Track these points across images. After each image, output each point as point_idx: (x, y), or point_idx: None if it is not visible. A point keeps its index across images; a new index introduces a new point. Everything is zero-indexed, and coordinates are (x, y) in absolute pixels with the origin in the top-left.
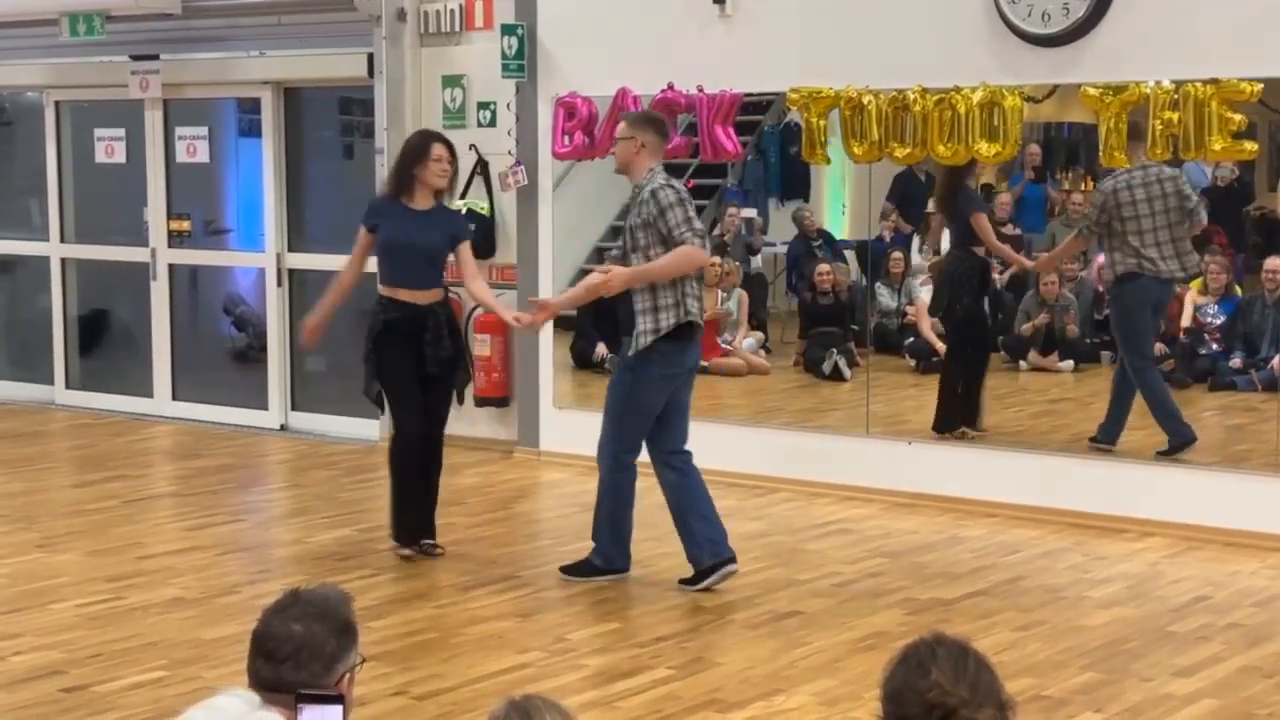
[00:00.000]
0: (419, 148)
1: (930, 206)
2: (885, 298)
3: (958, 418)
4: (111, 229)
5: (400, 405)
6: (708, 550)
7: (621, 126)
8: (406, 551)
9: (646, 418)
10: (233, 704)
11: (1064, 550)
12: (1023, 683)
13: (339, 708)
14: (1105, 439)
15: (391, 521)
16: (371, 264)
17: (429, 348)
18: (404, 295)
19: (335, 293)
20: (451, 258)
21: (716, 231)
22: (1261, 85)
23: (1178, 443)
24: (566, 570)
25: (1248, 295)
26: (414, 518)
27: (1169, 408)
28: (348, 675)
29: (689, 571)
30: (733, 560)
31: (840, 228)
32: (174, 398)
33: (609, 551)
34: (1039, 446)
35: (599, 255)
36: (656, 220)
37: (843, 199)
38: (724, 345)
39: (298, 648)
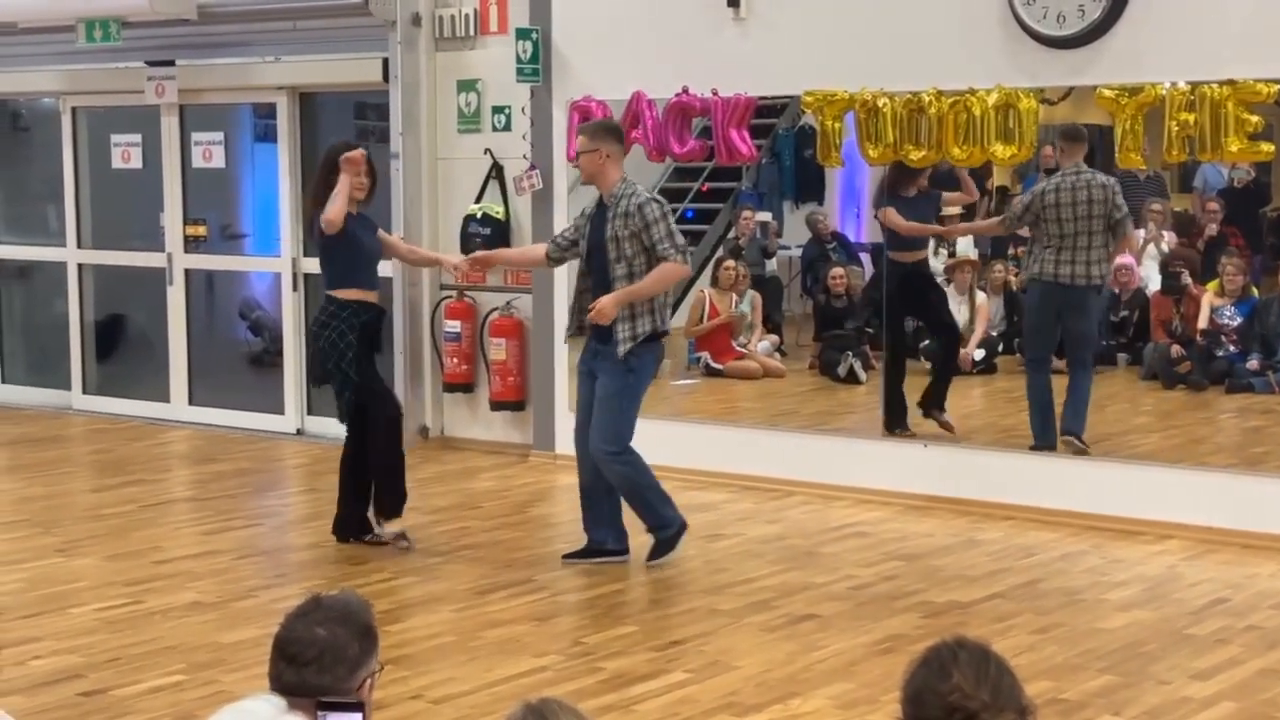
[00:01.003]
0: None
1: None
2: None
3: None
4: (128, 234)
5: (384, 391)
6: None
7: (581, 140)
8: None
9: (639, 407)
10: (261, 708)
11: (1081, 553)
12: (1040, 685)
13: (359, 716)
14: (1067, 431)
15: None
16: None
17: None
18: (371, 297)
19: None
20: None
21: (731, 235)
22: (1278, 86)
23: (1040, 444)
24: (655, 556)
25: (1264, 297)
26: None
27: (1044, 411)
28: (369, 680)
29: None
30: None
31: (855, 230)
32: (191, 402)
33: (661, 515)
34: (1055, 449)
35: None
36: (641, 233)
37: (857, 202)
38: (739, 348)
39: (321, 651)
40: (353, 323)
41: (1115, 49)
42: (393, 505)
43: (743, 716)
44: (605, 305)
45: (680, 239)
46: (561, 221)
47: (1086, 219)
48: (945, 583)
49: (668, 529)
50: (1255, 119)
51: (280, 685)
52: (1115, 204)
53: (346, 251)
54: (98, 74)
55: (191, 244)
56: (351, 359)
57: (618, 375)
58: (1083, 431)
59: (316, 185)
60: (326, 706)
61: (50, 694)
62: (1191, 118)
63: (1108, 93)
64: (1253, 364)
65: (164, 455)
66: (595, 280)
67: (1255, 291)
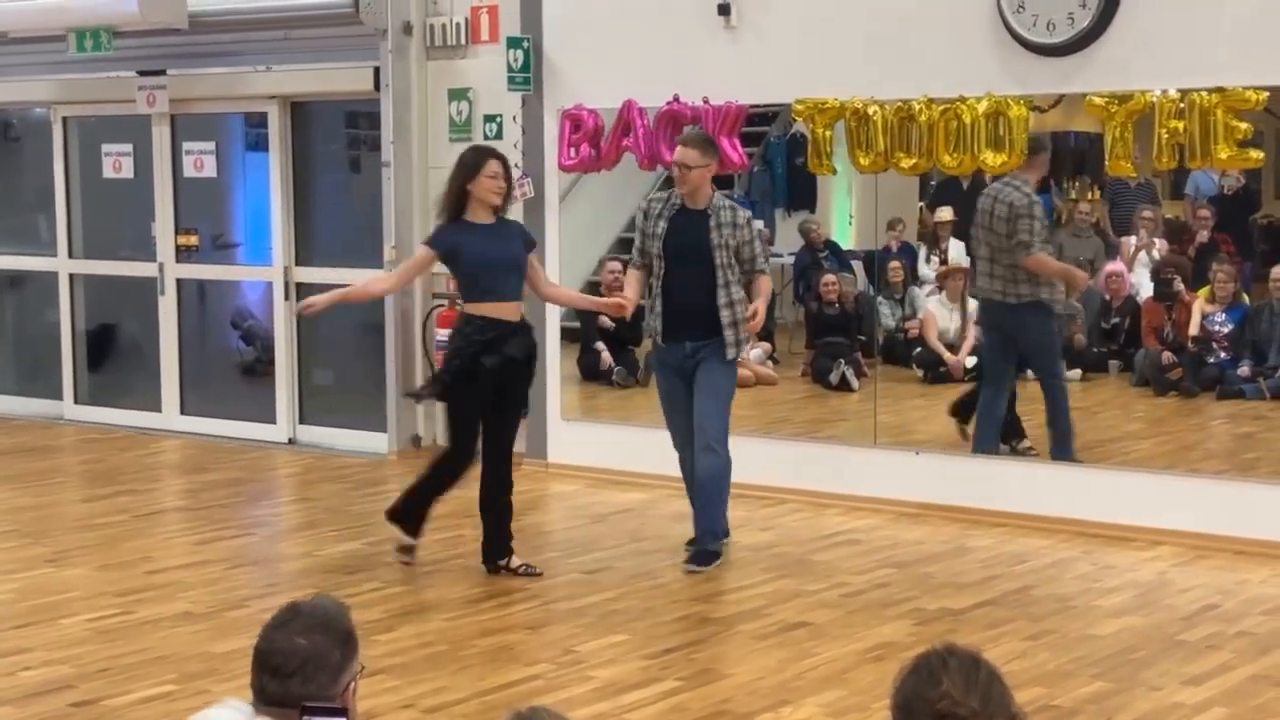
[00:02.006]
0: (472, 165)
1: (940, 215)
2: (885, 309)
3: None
4: (119, 244)
5: (466, 429)
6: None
7: (694, 155)
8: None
9: None
10: (228, 715)
11: (1073, 559)
12: (1032, 692)
13: None
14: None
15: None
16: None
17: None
18: (499, 311)
19: (356, 294)
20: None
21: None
22: (1267, 94)
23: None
24: (703, 563)
25: (1255, 303)
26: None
27: (986, 425)
28: (352, 684)
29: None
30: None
31: (847, 238)
32: (182, 412)
33: (723, 523)
34: (1046, 456)
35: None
36: (744, 245)
37: (849, 210)
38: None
39: (304, 661)
40: (472, 339)
41: (1105, 56)
42: (409, 521)
43: None
44: (761, 313)
45: None
46: (554, 229)
47: (987, 228)
48: (937, 590)
49: (723, 539)
50: (1244, 126)
51: (264, 698)
52: (1015, 228)
53: (457, 267)
54: (89, 84)
55: (183, 253)
56: (457, 370)
57: (729, 375)
58: (1070, 453)
59: (444, 196)
60: (310, 711)
61: (41, 705)
62: (1181, 125)
63: (1097, 100)
64: (1244, 370)
65: (156, 465)
66: (689, 283)
67: (1246, 298)
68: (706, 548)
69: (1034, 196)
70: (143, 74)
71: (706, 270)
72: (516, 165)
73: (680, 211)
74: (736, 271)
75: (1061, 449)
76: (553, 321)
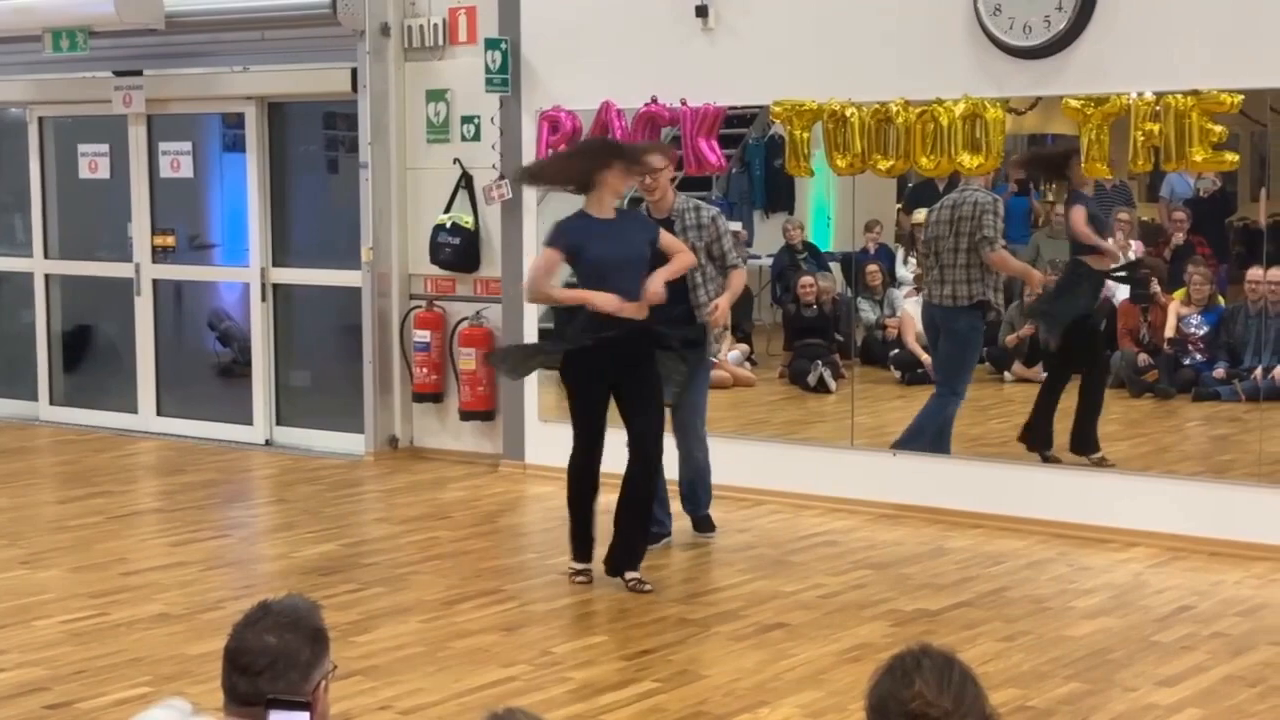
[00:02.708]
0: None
1: (917, 217)
2: (866, 310)
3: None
4: (96, 245)
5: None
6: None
7: (659, 159)
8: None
9: None
10: (165, 715)
11: (1049, 561)
12: (1007, 693)
13: (306, 714)
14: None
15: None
16: None
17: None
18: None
19: None
20: None
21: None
22: (1242, 96)
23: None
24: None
25: (1231, 305)
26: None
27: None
28: (323, 682)
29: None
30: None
31: (826, 240)
32: (159, 413)
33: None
34: (1023, 457)
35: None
36: (714, 243)
37: (828, 211)
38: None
39: (274, 659)
40: (578, 332)
41: (1081, 59)
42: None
43: None
44: (723, 307)
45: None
46: (531, 231)
47: (951, 236)
48: (914, 591)
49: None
50: (1219, 129)
51: (235, 696)
52: (980, 224)
53: (575, 265)
54: (65, 84)
55: (160, 254)
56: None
57: (706, 371)
58: (910, 446)
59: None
60: (274, 704)
61: (15, 707)
62: (1156, 128)
63: (1074, 103)
64: (1219, 372)
65: (131, 466)
66: (667, 292)
67: (1222, 300)
68: (705, 515)
69: (996, 196)
70: (119, 74)
71: (681, 277)
72: (494, 166)
73: (641, 218)
74: (712, 270)
75: (906, 441)
76: (530, 322)
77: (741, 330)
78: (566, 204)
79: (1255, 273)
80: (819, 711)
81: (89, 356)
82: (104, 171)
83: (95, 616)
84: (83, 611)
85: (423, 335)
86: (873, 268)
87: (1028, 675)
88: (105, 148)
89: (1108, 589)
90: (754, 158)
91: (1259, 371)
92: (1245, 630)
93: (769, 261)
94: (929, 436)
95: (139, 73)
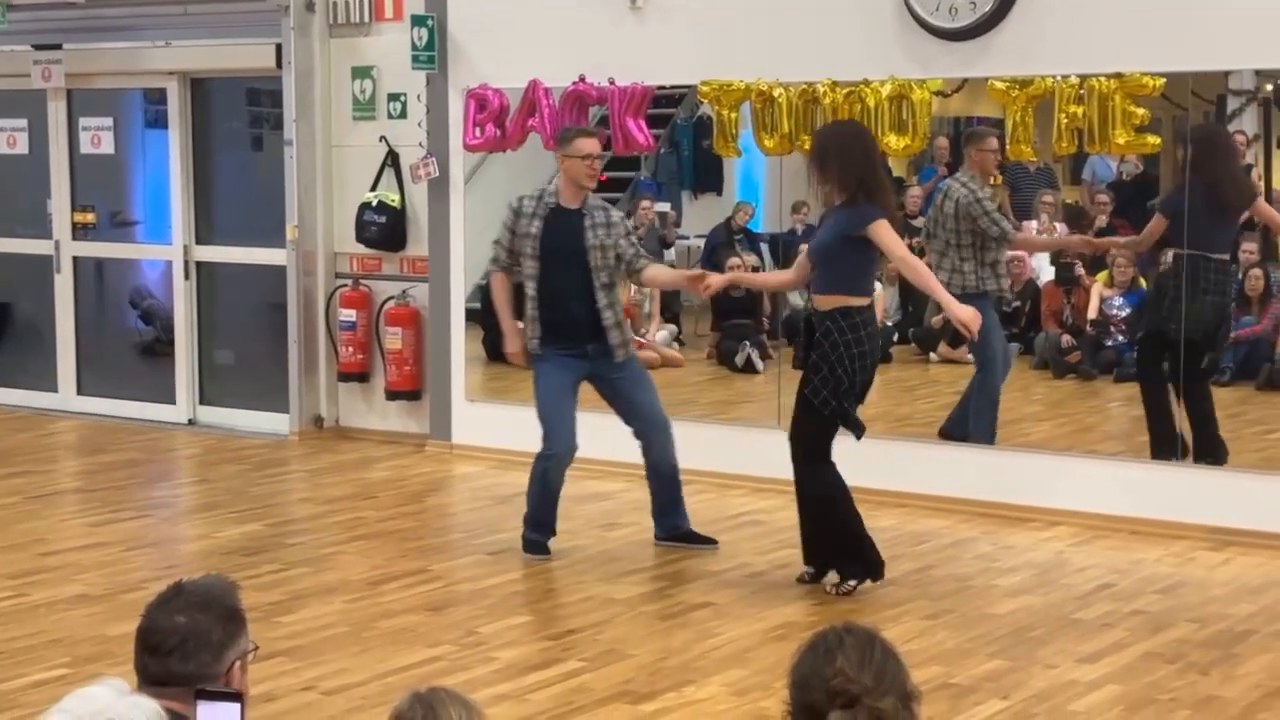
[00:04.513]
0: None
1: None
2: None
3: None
4: (14, 221)
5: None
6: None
7: (595, 144)
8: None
9: None
10: (102, 692)
11: (972, 540)
12: (931, 671)
13: (237, 705)
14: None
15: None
16: None
17: None
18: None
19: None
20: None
21: (630, 224)
22: (1164, 80)
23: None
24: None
25: (1152, 287)
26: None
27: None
28: (239, 662)
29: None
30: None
31: (757, 221)
32: (79, 392)
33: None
34: (947, 438)
35: None
36: (619, 241)
37: (758, 192)
38: (637, 339)
39: (184, 639)
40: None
41: (1006, 42)
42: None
43: (637, 704)
44: (706, 276)
45: None
46: (459, 210)
47: (953, 230)
48: None
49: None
50: (1142, 112)
51: (146, 677)
52: (975, 225)
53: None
54: None
55: (80, 231)
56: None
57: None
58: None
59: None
60: (204, 695)
61: None
62: (1080, 110)
63: (999, 85)
64: None
65: (51, 446)
66: (568, 286)
67: (1144, 282)
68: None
69: (979, 192)
70: (38, 48)
71: (584, 272)
72: (421, 144)
73: (555, 211)
74: (615, 272)
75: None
76: (457, 302)
77: (670, 310)
78: (493, 181)
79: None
80: (744, 689)
81: (7, 335)
82: (22, 147)
83: (13, 598)
84: (0, 592)
85: (348, 314)
86: (804, 248)
87: (951, 653)
88: (24, 122)
89: (1030, 567)
90: (682, 138)
91: None
92: (1164, 608)
93: (699, 242)
94: (982, 419)
95: (58, 46)
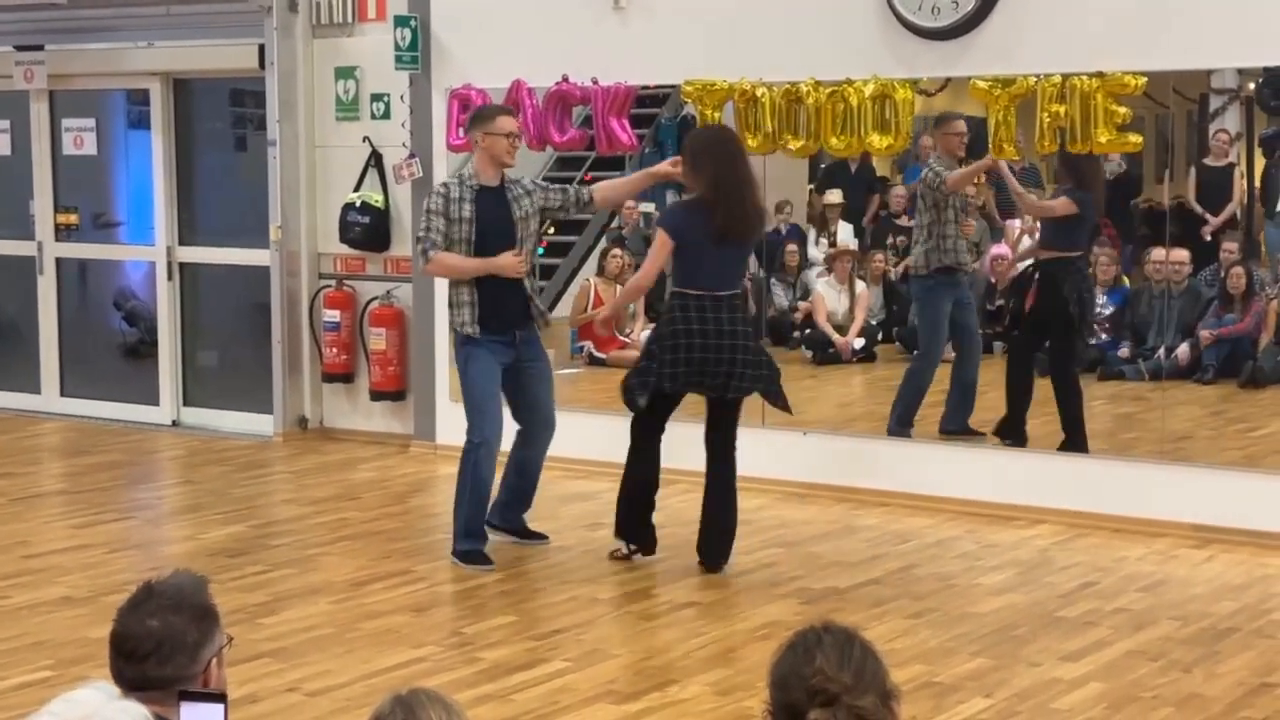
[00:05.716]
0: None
1: (829, 198)
2: (779, 292)
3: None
4: None
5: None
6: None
7: (515, 122)
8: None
9: None
10: (91, 696)
11: (955, 538)
12: (914, 669)
13: (220, 707)
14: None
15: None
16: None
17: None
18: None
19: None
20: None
21: (615, 224)
22: (1146, 79)
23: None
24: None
25: (1136, 286)
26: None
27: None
28: (214, 659)
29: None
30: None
31: None
32: (63, 394)
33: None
34: (931, 436)
35: None
36: (548, 195)
37: None
38: (622, 338)
39: (159, 643)
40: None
41: (988, 41)
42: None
43: (621, 704)
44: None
45: None
46: None
47: (927, 209)
48: (823, 569)
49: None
50: (1124, 110)
51: (123, 682)
52: (934, 198)
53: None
54: None
55: (63, 232)
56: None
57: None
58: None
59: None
60: (187, 697)
61: None
62: (1062, 109)
63: (981, 84)
64: (1124, 352)
65: (34, 448)
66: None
67: (1127, 281)
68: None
69: (935, 168)
70: (20, 49)
71: (514, 247)
72: (404, 145)
73: (482, 192)
74: (535, 239)
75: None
76: (441, 302)
77: (654, 310)
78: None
79: (1159, 254)
80: (728, 689)
81: None
82: (4, 148)
83: None
84: None
85: (332, 315)
86: (791, 248)
87: (934, 651)
88: (6, 124)
89: (1013, 566)
90: (666, 138)
91: (1162, 351)
92: (1147, 606)
93: None
94: (900, 404)
95: (41, 47)
